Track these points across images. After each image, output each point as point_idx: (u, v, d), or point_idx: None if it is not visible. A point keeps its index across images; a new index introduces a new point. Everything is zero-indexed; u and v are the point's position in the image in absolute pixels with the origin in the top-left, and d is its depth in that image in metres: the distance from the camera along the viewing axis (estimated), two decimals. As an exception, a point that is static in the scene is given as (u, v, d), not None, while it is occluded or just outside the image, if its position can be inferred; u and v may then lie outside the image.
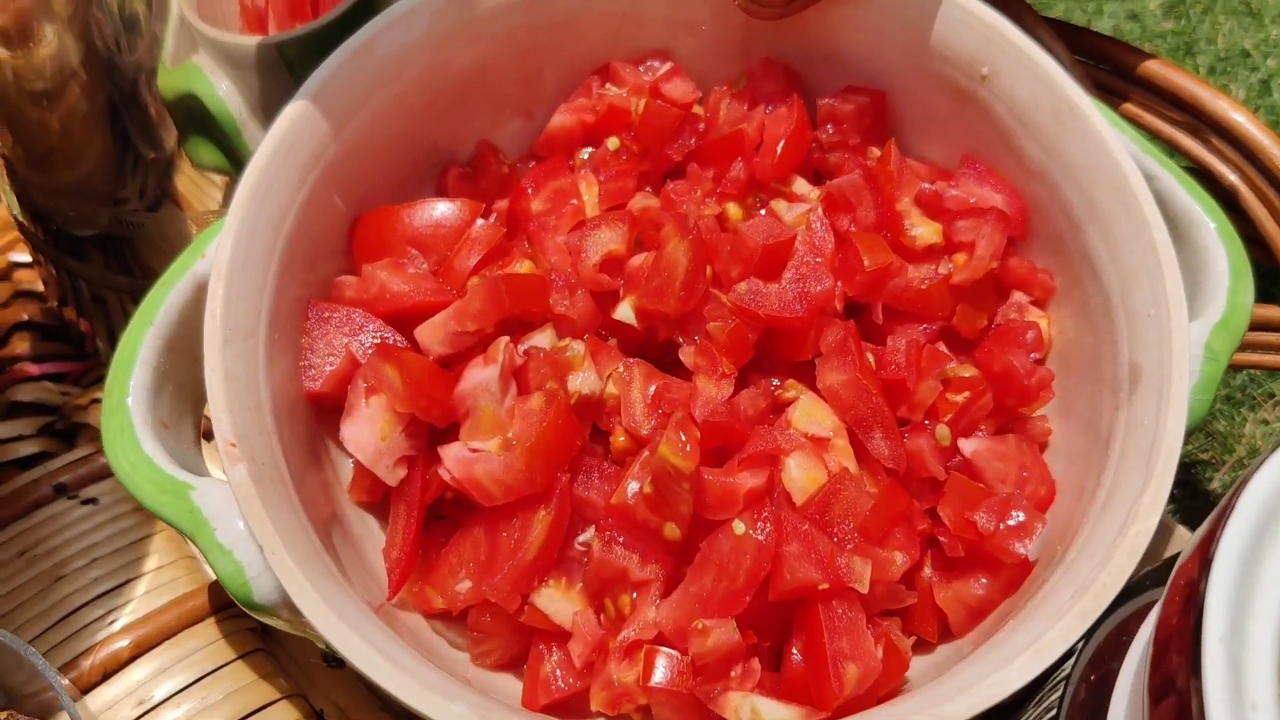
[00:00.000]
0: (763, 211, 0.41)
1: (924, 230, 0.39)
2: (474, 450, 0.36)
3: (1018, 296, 0.41)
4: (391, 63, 0.40)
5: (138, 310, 0.37)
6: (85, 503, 0.44)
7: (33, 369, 0.49)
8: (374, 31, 0.39)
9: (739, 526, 0.34)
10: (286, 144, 0.38)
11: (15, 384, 0.48)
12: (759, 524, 0.34)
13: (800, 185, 0.42)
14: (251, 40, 0.39)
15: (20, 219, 0.47)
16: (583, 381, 0.37)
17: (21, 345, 0.50)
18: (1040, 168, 0.40)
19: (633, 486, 0.35)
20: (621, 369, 0.38)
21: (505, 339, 0.37)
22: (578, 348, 0.38)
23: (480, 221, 0.40)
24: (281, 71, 0.41)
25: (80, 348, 0.51)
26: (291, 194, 0.38)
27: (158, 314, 0.37)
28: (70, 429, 0.48)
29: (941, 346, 0.40)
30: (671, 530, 0.35)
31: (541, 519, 0.35)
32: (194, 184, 0.44)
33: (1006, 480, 0.38)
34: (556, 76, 0.44)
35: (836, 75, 0.43)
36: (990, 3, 0.40)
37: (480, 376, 0.37)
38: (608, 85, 0.44)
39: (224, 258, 0.36)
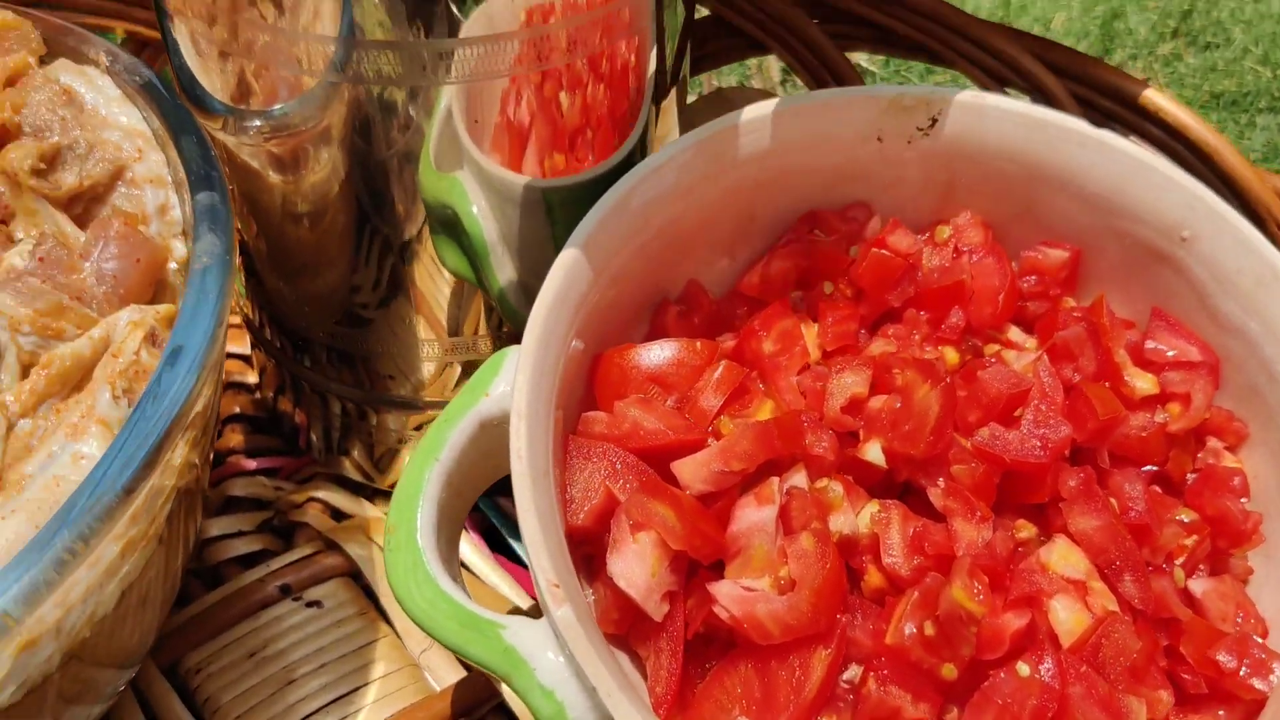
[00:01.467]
0: (992, 360, 0.43)
1: (1143, 382, 0.42)
2: (749, 589, 0.38)
3: (1212, 441, 0.44)
4: (642, 213, 0.42)
5: (420, 446, 0.38)
6: (309, 605, 0.45)
7: (248, 463, 0.49)
8: (631, 184, 0.41)
9: (1023, 668, 0.36)
10: (562, 292, 0.40)
11: (231, 478, 0.49)
12: (1042, 665, 0.36)
13: (1014, 333, 0.44)
14: (520, 179, 0.41)
15: (248, 315, 0.48)
16: (843, 522, 0.39)
17: (234, 438, 0.51)
18: (1238, 325, 0.43)
19: (909, 628, 0.37)
20: (878, 509, 0.39)
21: (776, 480, 0.39)
22: (837, 489, 0.40)
23: (723, 363, 0.42)
24: (539, 210, 0.42)
25: (292, 442, 0.52)
26: (563, 339, 0.40)
27: (442, 451, 0.38)
28: (287, 526, 0.49)
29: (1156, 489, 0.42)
30: (949, 671, 0.37)
31: (822, 658, 0.37)
32: (430, 276, 0.45)
33: (1227, 619, 0.40)
34: (765, 221, 0.46)
35: (1031, 230, 0.46)
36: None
37: (755, 517, 0.38)
38: (817, 231, 0.46)
39: (523, 401, 0.37)
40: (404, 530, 0.37)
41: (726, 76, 1.11)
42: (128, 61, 0.42)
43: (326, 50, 0.38)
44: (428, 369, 0.48)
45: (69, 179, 0.39)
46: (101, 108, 0.41)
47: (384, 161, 0.41)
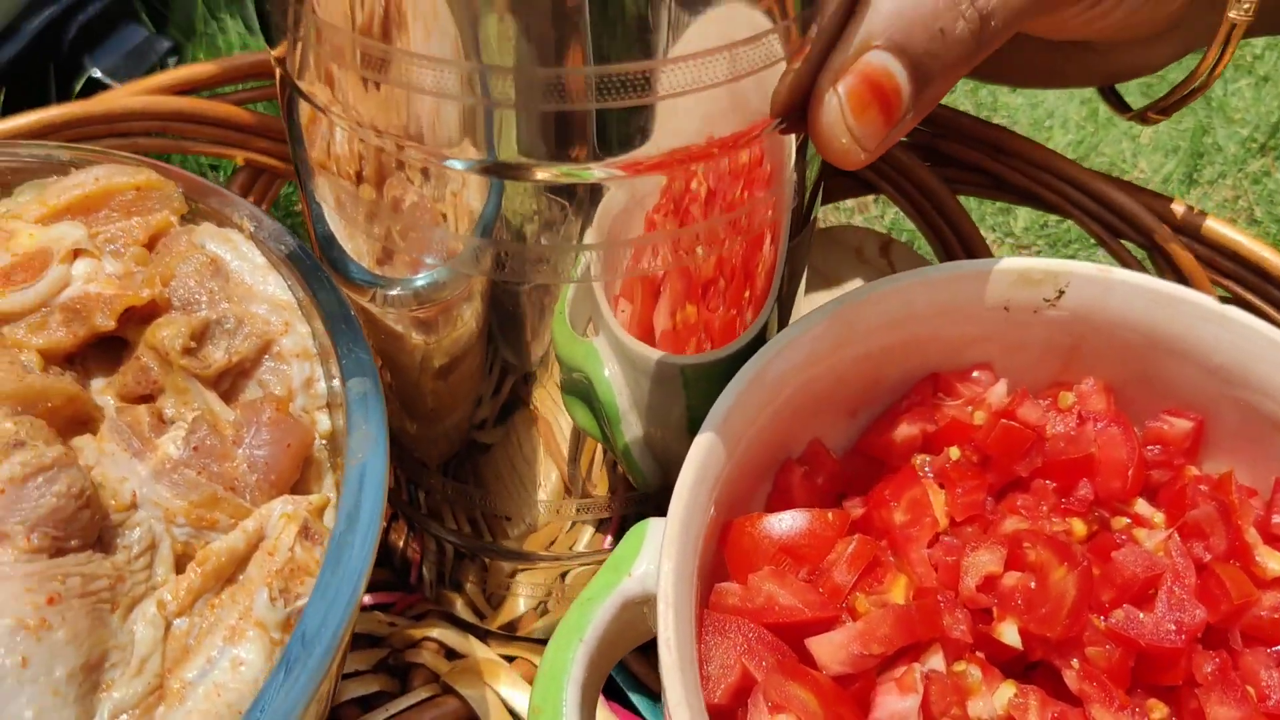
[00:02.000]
0: (1122, 537, 0.43)
1: (1274, 562, 0.42)
2: (890, 778, 0.38)
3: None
4: (775, 384, 0.42)
5: (564, 625, 0.39)
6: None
7: (365, 599, 0.50)
8: (767, 359, 0.42)
9: None
10: (701, 472, 0.40)
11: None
12: None
13: (1142, 506, 0.44)
14: (655, 354, 0.41)
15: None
16: (982, 707, 0.39)
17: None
18: (1368, 501, 0.43)
19: (1056, 820, 0.37)
20: (1015, 693, 0.39)
21: (918, 668, 0.39)
22: (975, 673, 0.40)
23: (856, 538, 0.42)
24: (673, 380, 0.43)
25: (403, 577, 0.52)
26: (703, 516, 0.40)
27: (586, 631, 0.38)
28: (402, 666, 0.49)
29: (1287, 670, 0.42)
30: None
31: None
32: (556, 432, 0.45)
33: (1363, 806, 0.40)
34: (888, 382, 0.47)
35: (1152, 395, 0.46)
36: None
37: (898, 706, 0.38)
38: (940, 394, 0.46)
39: (669, 588, 0.37)
40: (549, 712, 0.37)
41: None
42: (272, 228, 0.43)
43: (471, 238, 0.38)
44: (546, 524, 0.48)
45: (218, 355, 0.39)
46: (247, 276, 0.42)
47: (522, 320, 0.41)
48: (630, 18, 0.32)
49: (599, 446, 0.45)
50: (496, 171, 0.36)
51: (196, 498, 0.36)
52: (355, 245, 0.41)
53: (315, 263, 0.42)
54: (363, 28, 0.34)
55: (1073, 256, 0.78)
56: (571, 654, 0.38)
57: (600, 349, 0.41)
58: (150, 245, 0.43)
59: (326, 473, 0.40)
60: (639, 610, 0.40)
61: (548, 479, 0.47)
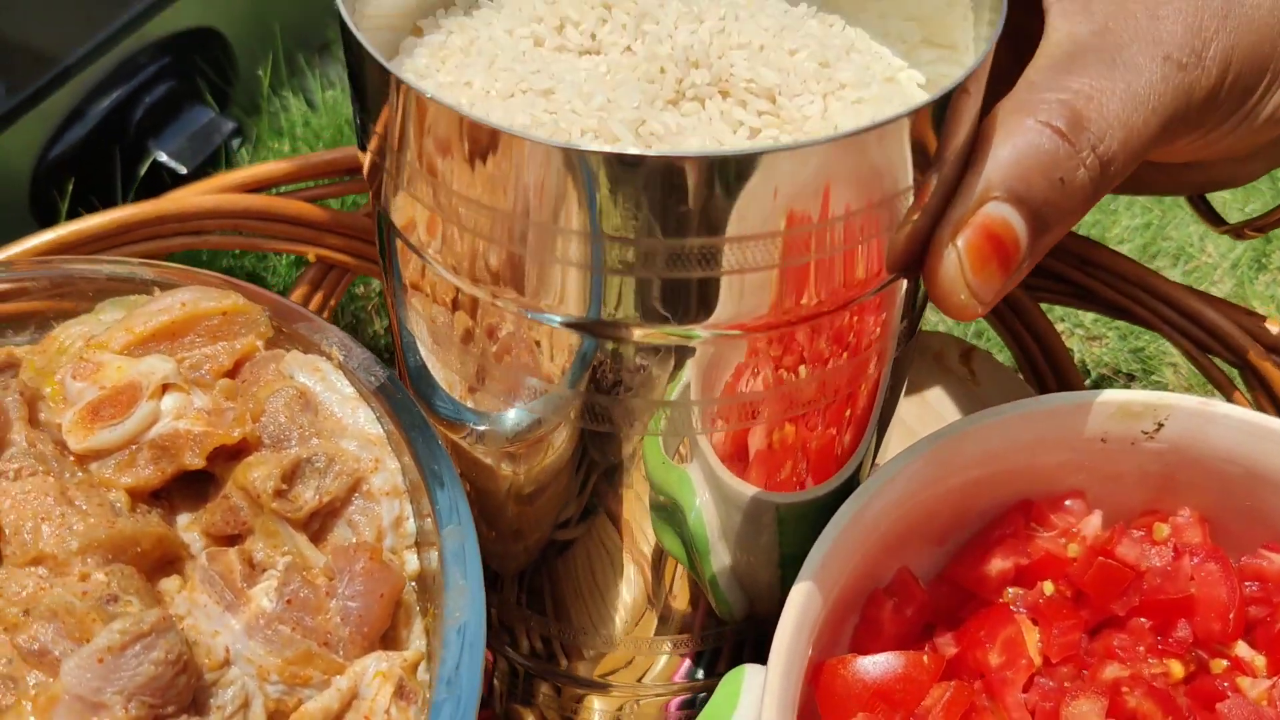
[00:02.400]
0: (1224, 684, 0.42)
1: (1385, 715, 0.41)
2: None
3: None
4: (870, 525, 0.42)
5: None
6: None
7: None
8: (864, 500, 0.41)
9: None
10: (800, 618, 0.39)
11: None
12: None
13: (1242, 649, 0.43)
14: (750, 489, 0.41)
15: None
16: None
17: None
18: None
19: None
20: None
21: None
22: (1079, 832, 0.39)
23: (952, 685, 0.41)
24: (768, 515, 0.42)
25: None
26: (801, 663, 0.39)
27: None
28: None
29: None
30: None
31: None
32: (641, 560, 0.44)
33: None
34: (978, 510, 0.46)
35: (1249, 526, 0.45)
36: None
37: None
38: (1033, 524, 0.45)
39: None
40: None
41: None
42: (361, 357, 0.42)
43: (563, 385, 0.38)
44: (621, 650, 0.47)
45: (308, 496, 0.39)
46: (336, 408, 0.41)
47: (616, 450, 0.40)
48: (740, 194, 0.31)
49: (682, 574, 0.45)
50: (590, 329, 0.36)
51: (291, 654, 0.35)
52: (446, 378, 0.41)
53: (405, 395, 0.41)
54: (464, 185, 0.34)
55: (1143, 349, 0.77)
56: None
57: (693, 478, 0.40)
58: (235, 370, 0.43)
59: (416, 616, 0.39)
60: (735, 762, 0.39)
61: (626, 604, 0.46)
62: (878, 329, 0.38)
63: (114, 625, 0.32)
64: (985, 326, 0.58)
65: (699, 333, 0.35)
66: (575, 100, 0.37)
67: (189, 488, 0.41)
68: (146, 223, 0.55)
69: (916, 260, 0.36)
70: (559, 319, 0.36)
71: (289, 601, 0.36)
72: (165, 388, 0.40)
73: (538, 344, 0.37)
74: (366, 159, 0.38)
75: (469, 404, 0.41)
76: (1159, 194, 0.50)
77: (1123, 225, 0.80)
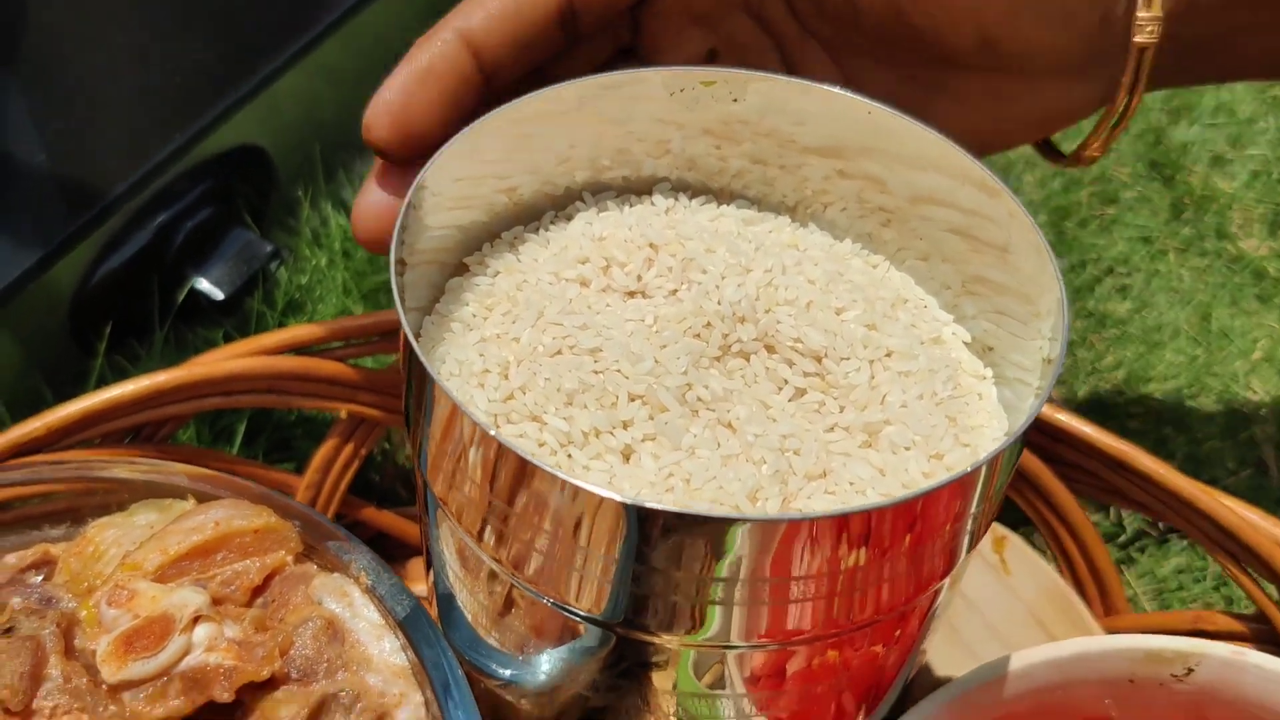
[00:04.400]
0: None
1: None
2: None
3: None
4: None
5: None
6: None
7: None
8: None
9: None
10: None
11: None
12: None
13: None
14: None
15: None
16: None
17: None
18: None
19: None
20: None
21: None
22: None
23: None
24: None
25: None
26: None
27: None
28: None
29: None
30: None
31: None
32: None
33: None
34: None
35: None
36: None
37: None
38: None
39: None
40: None
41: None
42: (390, 586, 0.42)
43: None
44: None
45: (336, 733, 0.39)
46: (362, 636, 0.41)
47: (643, 689, 0.40)
48: (721, 546, 0.32)
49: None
50: (611, 629, 0.36)
51: None
52: (474, 620, 0.41)
53: (431, 627, 0.41)
54: (500, 492, 0.34)
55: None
56: None
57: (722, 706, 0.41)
58: (264, 585, 0.44)
59: None
60: None
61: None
62: (920, 613, 0.38)
63: None
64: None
65: (734, 643, 0.35)
66: (623, 362, 0.37)
67: (212, 713, 0.41)
68: (181, 389, 0.55)
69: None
70: (581, 615, 0.36)
71: None
72: (197, 619, 0.41)
73: (564, 629, 0.37)
74: (408, 413, 0.39)
75: (494, 643, 0.41)
76: (1013, 142, 0.51)
77: (1168, 361, 0.79)
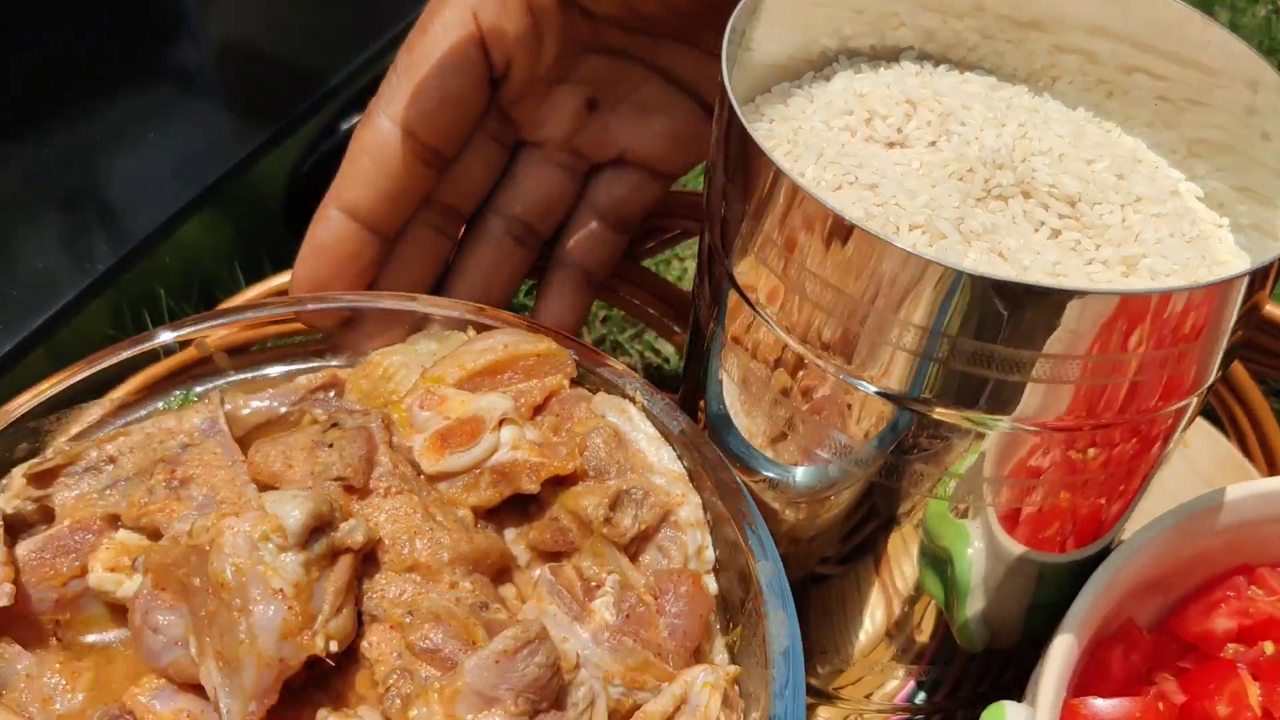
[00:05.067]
0: None
1: None
2: None
3: None
4: (1117, 585, 0.46)
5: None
6: None
7: None
8: (1116, 567, 0.46)
9: None
10: (1063, 665, 0.44)
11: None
12: None
13: None
14: (1020, 548, 0.45)
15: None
16: None
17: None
18: None
19: None
20: None
21: None
22: None
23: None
24: (1029, 571, 0.46)
25: None
26: (1060, 699, 0.44)
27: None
28: None
29: None
30: None
31: None
32: (905, 558, 0.49)
33: None
34: (1200, 572, 0.50)
35: None
36: None
37: None
38: (1254, 588, 0.50)
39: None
40: None
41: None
42: (663, 404, 0.47)
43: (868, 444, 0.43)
44: (856, 668, 0.52)
45: (627, 523, 0.44)
46: (641, 446, 0.46)
47: (902, 501, 0.45)
48: (1073, 321, 0.36)
49: (931, 612, 0.49)
50: (901, 402, 0.40)
51: (632, 662, 0.40)
52: (749, 428, 0.46)
53: (704, 439, 0.46)
54: (818, 265, 0.39)
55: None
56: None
57: (969, 534, 0.45)
58: (543, 406, 0.48)
59: (717, 635, 0.44)
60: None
61: (868, 632, 0.51)
62: (1166, 430, 0.42)
63: (508, 633, 0.37)
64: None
65: (1000, 423, 0.39)
66: (900, 196, 0.41)
67: (509, 505, 0.46)
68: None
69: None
70: (875, 389, 0.41)
71: (628, 616, 0.41)
72: (502, 422, 0.46)
73: (850, 407, 0.42)
74: (715, 213, 0.43)
75: (768, 454, 0.46)
76: None
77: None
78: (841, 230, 0.37)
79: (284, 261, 0.65)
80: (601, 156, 0.58)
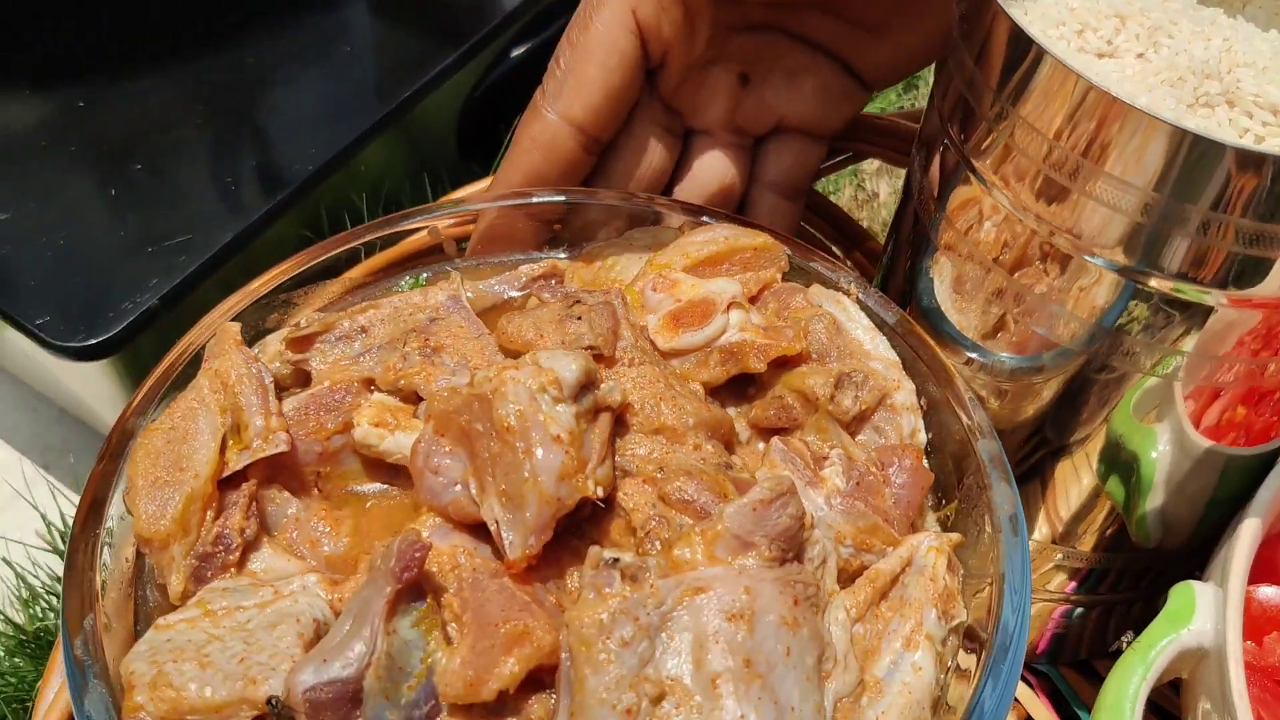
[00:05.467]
0: None
1: None
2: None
3: None
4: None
5: (1127, 663, 0.46)
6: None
7: None
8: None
9: None
10: (1250, 548, 0.47)
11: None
12: None
13: None
14: (1207, 443, 0.48)
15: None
16: None
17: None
18: None
19: None
20: None
21: None
22: None
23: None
24: (1213, 467, 0.49)
25: None
26: (1245, 580, 0.47)
27: (1150, 671, 0.46)
28: None
29: None
30: None
31: None
32: (1082, 457, 0.52)
33: None
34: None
35: None
36: None
37: None
38: None
39: (1235, 645, 0.44)
40: None
41: None
42: (876, 297, 0.50)
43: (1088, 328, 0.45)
44: (1044, 565, 0.55)
45: (848, 403, 0.47)
46: (858, 335, 0.50)
47: (1089, 398, 0.48)
48: None
49: (1105, 502, 0.52)
50: (1129, 274, 0.43)
51: (862, 525, 0.44)
52: (963, 319, 0.49)
53: (917, 330, 0.49)
54: (1057, 133, 0.42)
55: None
56: (1135, 688, 0.45)
57: (1158, 433, 0.48)
58: (756, 298, 0.52)
59: (929, 511, 0.48)
60: (1186, 659, 0.47)
61: (1044, 523, 0.54)
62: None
63: (764, 484, 0.41)
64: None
65: (1214, 296, 0.42)
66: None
67: (728, 386, 0.50)
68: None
69: None
70: (1102, 262, 0.43)
71: (857, 484, 0.45)
72: (730, 305, 0.49)
73: (1074, 282, 0.45)
74: (948, 89, 0.46)
75: (982, 341, 0.49)
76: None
77: None
78: (1099, 103, 0.40)
79: (458, 184, 0.69)
80: (762, 128, 0.61)
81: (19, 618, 0.68)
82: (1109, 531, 0.54)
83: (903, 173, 0.64)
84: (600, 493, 0.41)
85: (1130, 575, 0.57)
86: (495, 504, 0.41)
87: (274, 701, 0.37)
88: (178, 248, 0.71)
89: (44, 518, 0.74)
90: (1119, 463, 0.50)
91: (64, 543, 0.71)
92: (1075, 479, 0.52)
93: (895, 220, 0.53)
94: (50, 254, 0.70)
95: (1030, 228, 0.45)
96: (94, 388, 0.71)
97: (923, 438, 0.48)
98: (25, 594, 0.69)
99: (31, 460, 0.79)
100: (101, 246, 0.71)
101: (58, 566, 0.70)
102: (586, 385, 0.42)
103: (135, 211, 0.73)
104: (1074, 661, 0.60)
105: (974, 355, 0.49)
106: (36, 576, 0.70)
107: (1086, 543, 0.54)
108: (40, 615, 0.69)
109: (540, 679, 0.39)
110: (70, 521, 0.70)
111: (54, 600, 0.69)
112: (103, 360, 0.68)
